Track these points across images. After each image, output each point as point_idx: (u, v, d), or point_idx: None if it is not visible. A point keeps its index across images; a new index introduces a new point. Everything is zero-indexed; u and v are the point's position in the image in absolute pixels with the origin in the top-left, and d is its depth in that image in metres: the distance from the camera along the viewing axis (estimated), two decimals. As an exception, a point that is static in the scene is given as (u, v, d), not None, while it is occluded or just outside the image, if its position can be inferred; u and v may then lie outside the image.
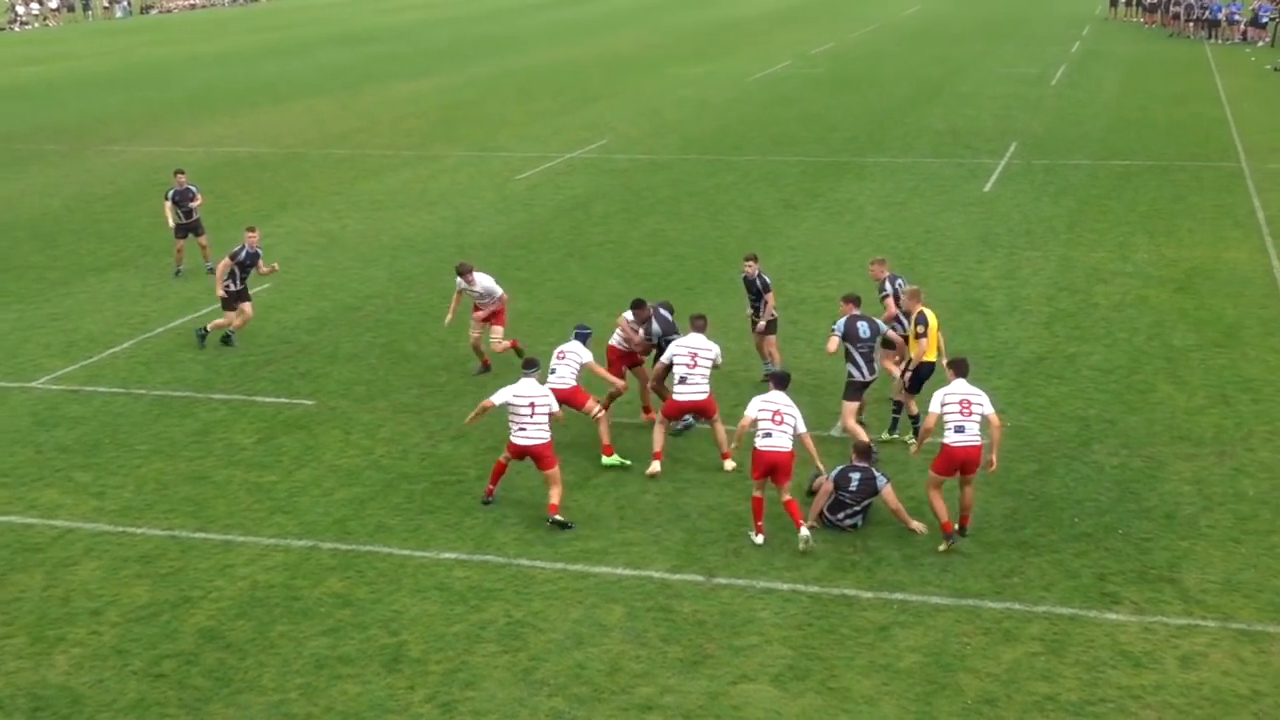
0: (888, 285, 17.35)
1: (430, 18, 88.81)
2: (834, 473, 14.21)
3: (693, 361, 15.74)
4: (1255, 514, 14.26)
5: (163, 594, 13.29)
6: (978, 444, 13.49)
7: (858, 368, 15.81)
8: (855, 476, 13.97)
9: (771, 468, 13.75)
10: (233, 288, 20.64)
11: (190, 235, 24.96)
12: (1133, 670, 11.47)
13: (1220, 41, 59.69)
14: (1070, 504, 14.60)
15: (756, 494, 13.95)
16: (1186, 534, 13.86)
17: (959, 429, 13.47)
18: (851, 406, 15.86)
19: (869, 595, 12.85)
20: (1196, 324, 20.55)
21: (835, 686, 11.37)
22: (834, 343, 15.90)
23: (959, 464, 13.52)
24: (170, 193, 24.74)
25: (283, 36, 78.02)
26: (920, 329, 15.78)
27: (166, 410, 18.34)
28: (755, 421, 13.87)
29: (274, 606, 12.99)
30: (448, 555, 13.92)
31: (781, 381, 14.35)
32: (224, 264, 20.64)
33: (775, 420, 13.79)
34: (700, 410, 15.86)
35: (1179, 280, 22.85)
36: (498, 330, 19.13)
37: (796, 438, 13.88)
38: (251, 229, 21.29)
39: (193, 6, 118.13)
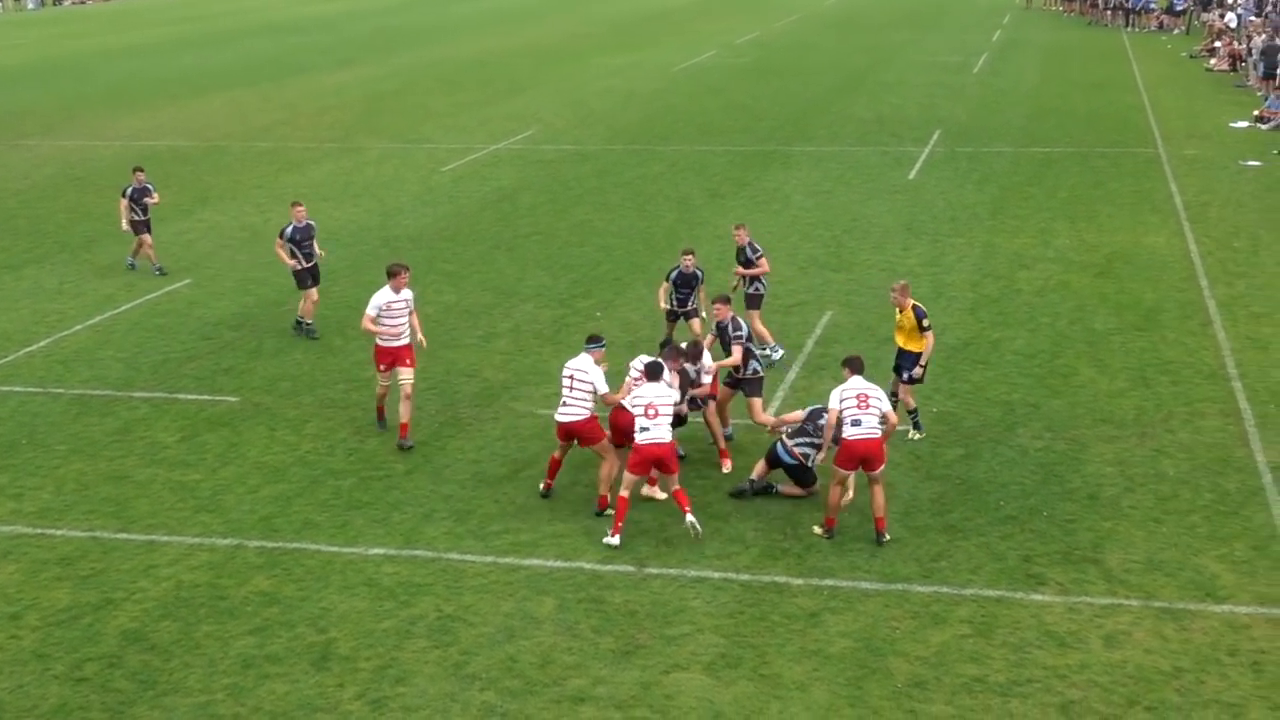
0: (748, 250, 18.71)
1: (353, 8, 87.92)
2: (811, 408, 14.79)
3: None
4: (1175, 494, 14.51)
5: (84, 596, 13.04)
6: (876, 437, 13.42)
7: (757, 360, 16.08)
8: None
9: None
10: (298, 267, 20.28)
11: (147, 231, 24.27)
12: (1058, 650, 11.62)
13: (1137, 29, 60.63)
14: (996, 487, 14.76)
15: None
16: (1109, 515, 14.06)
17: (855, 422, 13.44)
18: (759, 402, 15.98)
19: (799, 582, 12.91)
20: (1117, 308, 20.86)
21: (767, 673, 11.41)
22: (739, 352, 15.78)
23: (859, 458, 13.41)
24: (128, 190, 24.00)
25: (201, 28, 76.82)
26: (926, 322, 15.60)
27: (86, 409, 18.00)
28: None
29: (199, 606, 12.80)
30: (376, 551, 13.79)
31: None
32: (278, 243, 20.41)
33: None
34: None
35: (1100, 265, 23.19)
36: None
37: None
38: (297, 203, 20.86)
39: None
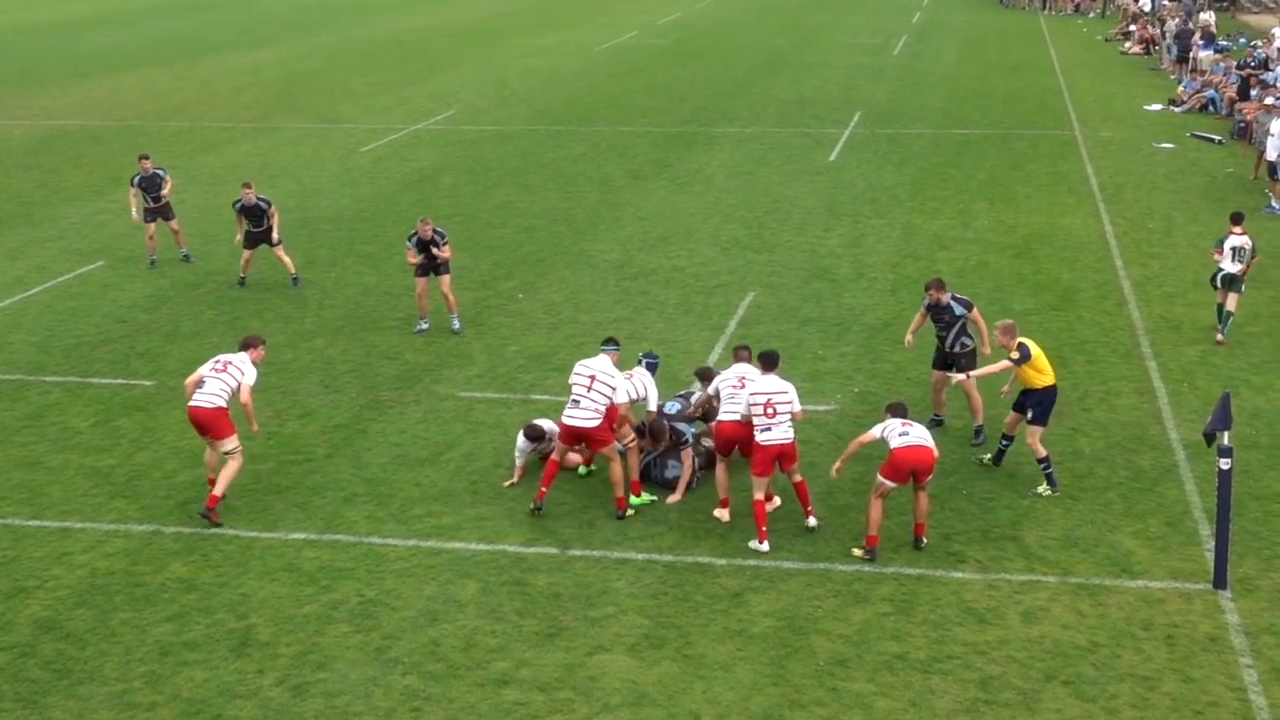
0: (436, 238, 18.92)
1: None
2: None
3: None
4: (1091, 471, 14.74)
5: (-5, 585, 12.76)
6: (928, 445, 12.92)
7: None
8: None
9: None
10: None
11: (160, 220, 23.13)
12: (978, 626, 11.77)
13: (1054, 13, 61.43)
14: (916, 466, 14.86)
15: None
16: (1026, 494, 14.25)
17: (904, 433, 12.98)
18: None
19: (722, 563, 12.95)
20: (1035, 288, 21.14)
21: (691, 654, 11.43)
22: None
23: (910, 469, 12.87)
24: (136, 178, 22.99)
25: (113, 6, 75.16)
26: (1014, 355, 14.25)
27: (-4, 394, 17.59)
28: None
29: (115, 594, 12.56)
30: (296, 535, 13.62)
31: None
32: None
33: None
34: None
35: (1018, 246, 23.48)
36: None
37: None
38: (247, 185, 21.55)
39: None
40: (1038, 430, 14.26)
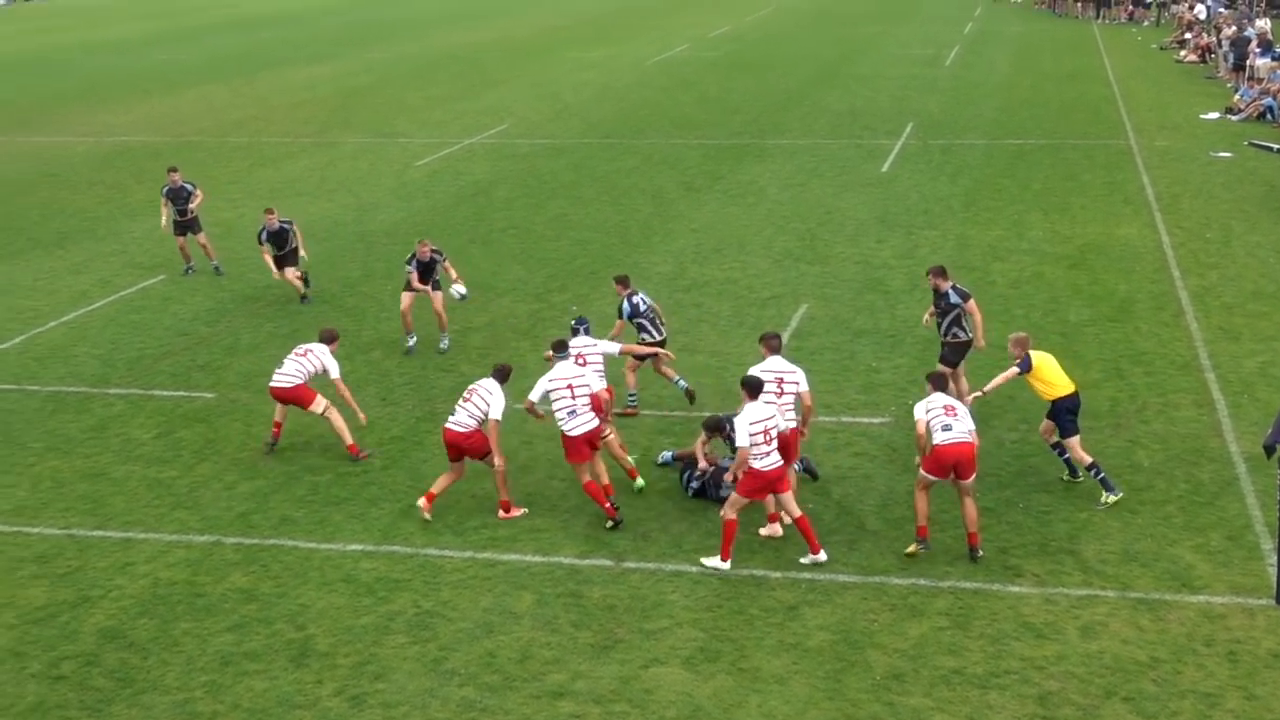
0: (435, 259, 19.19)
1: (324, 3, 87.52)
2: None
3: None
4: (1150, 485, 14.60)
5: (61, 594, 12.98)
6: (969, 441, 12.96)
7: (646, 334, 16.89)
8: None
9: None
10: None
11: (188, 234, 23.52)
12: (1035, 641, 11.69)
13: (1107, 21, 60.92)
14: (972, 479, 14.80)
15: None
16: (1085, 506, 14.14)
17: (946, 427, 12.91)
18: (636, 363, 16.88)
19: (777, 575, 12.95)
20: (1091, 299, 20.98)
21: (746, 667, 11.45)
22: (620, 324, 16.81)
23: (951, 464, 12.91)
24: (165, 189, 23.51)
25: (172, 24, 76.33)
26: (1017, 366, 14.34)
27: (61, 406, 17.89)
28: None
29: (177, 604, 12.75)
30: (354, 547, 13.77)
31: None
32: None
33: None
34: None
35: (1073, 257, 23.31)
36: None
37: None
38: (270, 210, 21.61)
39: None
40: (1072, 440, 14.26)
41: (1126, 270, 22.43)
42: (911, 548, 13.19)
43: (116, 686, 11.47)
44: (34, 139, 38.78)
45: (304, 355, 15.87)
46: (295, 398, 15.69)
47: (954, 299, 15.94)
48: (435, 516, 14.28)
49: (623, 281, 17.17)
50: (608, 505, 14.01)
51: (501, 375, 14.39)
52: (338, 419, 15.77)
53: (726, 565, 13.04)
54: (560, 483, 15.04)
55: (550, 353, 14.95)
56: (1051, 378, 14.34)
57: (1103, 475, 14.19)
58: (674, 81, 45.69)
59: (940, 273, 16.25)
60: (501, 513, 14.25)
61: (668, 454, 15.44)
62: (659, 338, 16.97)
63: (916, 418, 13.21)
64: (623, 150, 33.99)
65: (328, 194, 30.15)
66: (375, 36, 63.96)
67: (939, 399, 13.26)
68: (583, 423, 13.94)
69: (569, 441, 14.00)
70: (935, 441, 12.94)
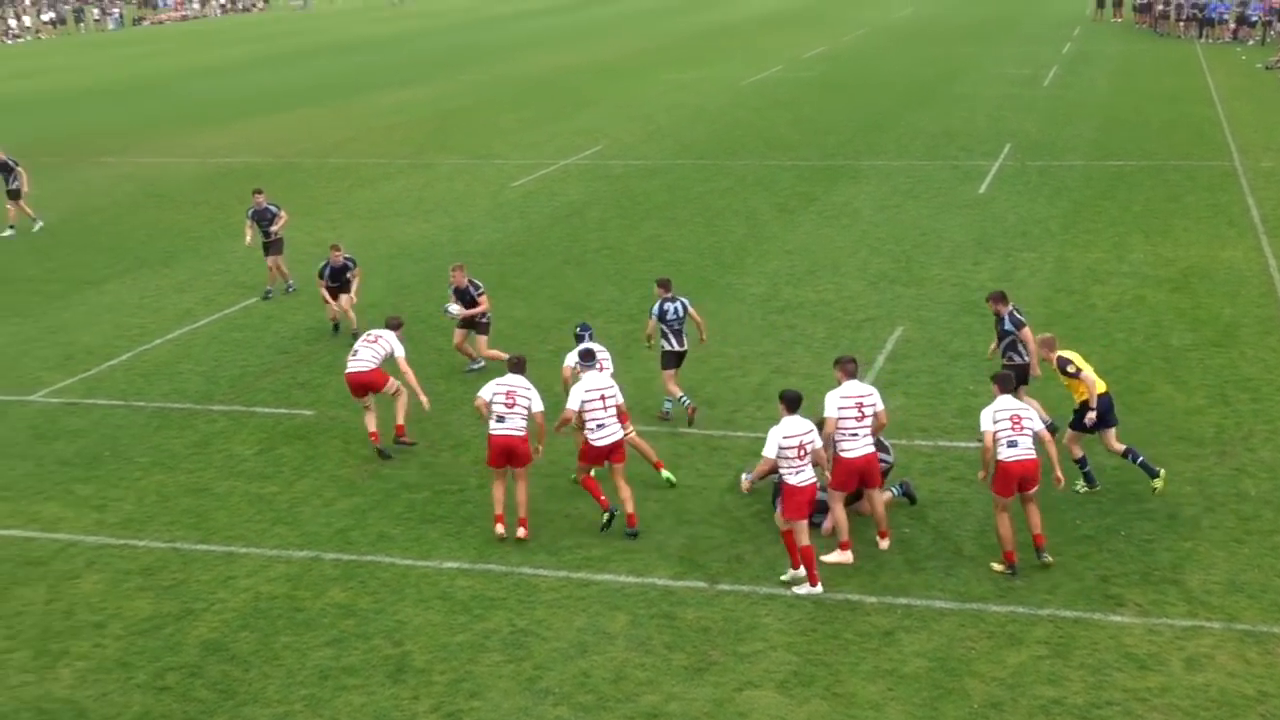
0: (470, 289, 19.21)
1: (422, 26, 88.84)
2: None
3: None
4: (1257, 514, 14.26)
5: (165, 606, 13.27)
6: (1034, 458, 12.98)
7: (668, 340, 17.22)
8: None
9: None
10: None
11: (272, 254, 24.00)
12: (1138, 672, 11.47)
13: (1210, 41, 59.80)
14: (1072, 506, 14.59)
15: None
16: (1189, 535, 13.86)
17: (1011, 444, 12.98)
18: (669, 374, 17.35)
19: (872, 600, 12.84)
20: (1194, 323, 20.57)
21: (841, 692, 11.36)
22: (651, 323, 17.25)
23: (1017, 480, 12.98)
24: (250, 211, 24.07)
25: (274, 47, 77.99)
26: (1072, 369, 14.65)
27: (166, 422, 18.31)
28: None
29: (277, 618, 12.97)
30: (450, 564, 13.90)
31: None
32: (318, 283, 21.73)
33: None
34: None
35: (1175, 280, 22.88)
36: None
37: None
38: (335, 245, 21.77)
39: (184, 18, 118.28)
40: (1072, 433, 14.78)
41: (1231, 294, 21.96)
42: (998, 567, 13.17)
43: (219, 698, 11.69)
44: (141, 160, 39.81)
45: (375, 341, 16.90)
46: (371, 381, 16.69)
47: (1008, 325, 16.06)
48: (529, 536, 14.37)
49: (664, 285, 17.50)
50: (602, 498, 14.42)
51: (518, 366, 14.66)
52: (403, 402, 16.87)
53: (817, 587, 13.01)
54: (655, 504, 15.06)
55: (575, 363, 15.28)
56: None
57: (1088, 469, 14.79)
58: (768, 102, 45.67)
59: (999, 298, 16.36)
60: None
61: (747, 475, 15.26)
62: (678, 348, 17.29)
63: (983, 428, 13.11)
64: (716, 171, 34.04)
65: (424, 215, 30.56)
66: (470, 60, 64.76)
67: (1006, 406, 13.18)
68: (610, 434, 14.23)
69: (591, 450, 14.29)
70: (1000, 457, 12.94)
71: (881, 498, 13.88)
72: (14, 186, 30.09)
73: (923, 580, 13.13)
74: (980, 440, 13.36)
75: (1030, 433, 13.08)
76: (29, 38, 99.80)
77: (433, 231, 28.92)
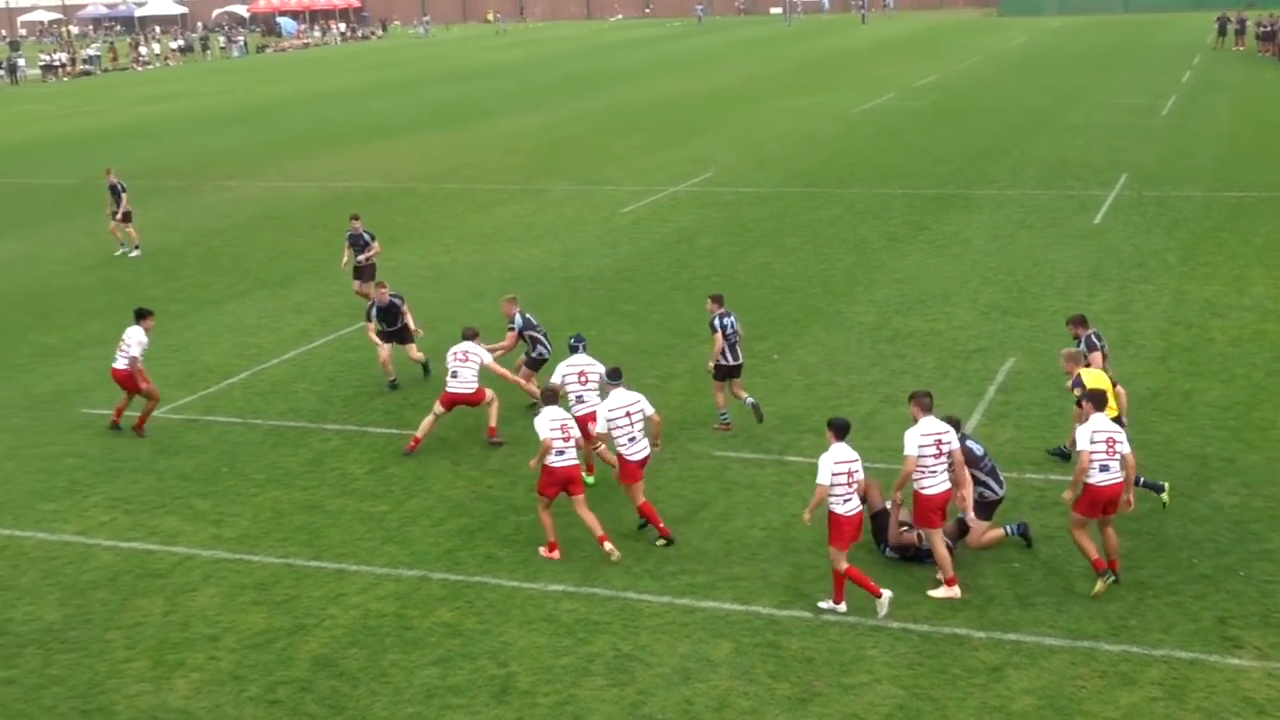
0: (517, 319, 19.02)
1: (535, 55, 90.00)
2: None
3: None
4: (1384, 557, 13.81)
5: (278, 621, 13.55)
6: (1120, 482, 13.14)
7: (724, 355, 17.82)
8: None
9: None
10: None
11: (362, 279, 24.34)
12: (1257, 718, 11.15)
13: (1340, 69, 58.25)
14: (1188, 544, 14.26)
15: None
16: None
17: (1104, 468, 13.06)
18: (720, 385, 18.03)
19: (980, 635, 12.67)
20: (1319, 360, 20.01)
21: (947, 727, 11.22)
22: (719, 339, 17.70)
23: (1104, 504, 13.11)
24: (347, 234, 24.67)
25: (392, 74, 79.57)
26: (1078, 392, 14.67)
27: (281, 440, 18.72)
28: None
29: (385, 635, 13.17)
30: (555, 587, 14.00)
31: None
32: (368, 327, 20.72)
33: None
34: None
35: (1300, 315, 22.28)
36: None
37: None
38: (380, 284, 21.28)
39: (305, 46, 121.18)
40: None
41: (1359, 330, 21.32)
42: (1098, 586, 13.10)
43: (328, 713, 11.90)
44: (262, 184, 40.83)
45: (467, 359, 17.68)
46: (472, 399, 17.72)
47: (1083, 347, 16.12)
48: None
49: (718, 300, 18.18)
50: (662, 525, 14.71)
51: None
52: (495, 409, 17.88)
53: (841, 606, 13.19)
54: (760, 531, 15.04)
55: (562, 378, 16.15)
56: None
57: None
58: (879, 130, 45.44)
59: (1079, 321, 16.57)
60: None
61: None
62: (733, 362, 17.94)
63: (1080, 447, 13.05)
64: (826, 199, 33.94)
65: (535, 239, 30.90)
66: (583, 87, 65.41)
67: (1102, 428, 13.15)
68: (642, 448, 14.78)
69: (627, 465, 14.65)
70: (1091, 480, 12.94)
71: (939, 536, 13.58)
72: (124, 209, 30.87)
73: (1032, 616, 12.92)
74: (1075, 455, 13.31)
75: (1120, 456, 13.11)
76: (158, 64, 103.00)
77: (543, 256, 29.22)
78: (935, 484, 13.34)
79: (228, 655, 12.93)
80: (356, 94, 67.92)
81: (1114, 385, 15.24)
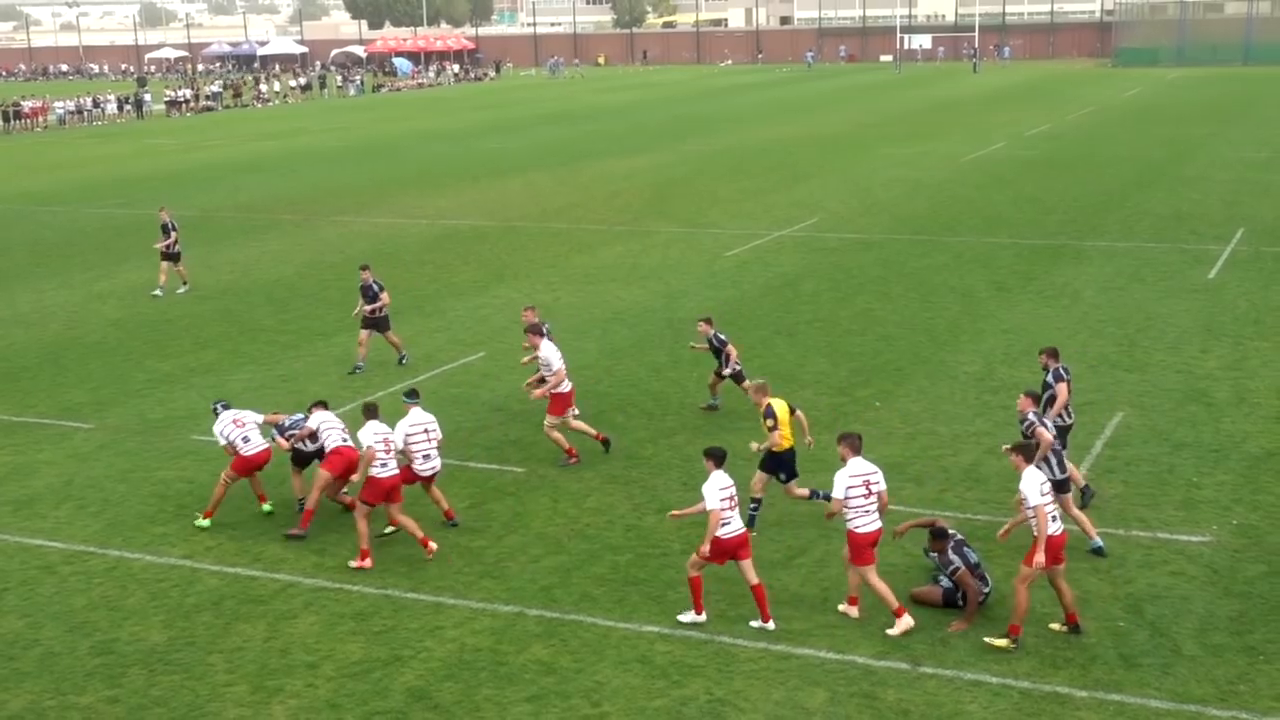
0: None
1: (645, 98, 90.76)
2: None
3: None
4: None
5: (375, 651, 13.69)
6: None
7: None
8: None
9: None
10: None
11: (374, 331, 23.97)
12: (1372, 792, 10.76)
13: None
14: (1302, 609, 13.83)
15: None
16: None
17: (1054, 518, 13.27)
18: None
19: (1083, 694, 12.39)
20: None
21: (1046, 787, 10.97)
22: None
23: (1057, 552, 13.27)
24: (360, 286, 24.13)
25: (503, 115, 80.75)
26: (770, 422, 15.80)
27: (384, 472, 18.91)
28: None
29: (480, 670, 13.24)
30: (650, 628, 13.98)
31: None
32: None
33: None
34: None
35: None
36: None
37: None
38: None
39: (420, 85, 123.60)
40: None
41: None
42: (1002, 641, 13.21)
43: (421, 744, 11.97)
44: (373, 220, 41.60)
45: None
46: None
47: (1049, 379, 16.46)
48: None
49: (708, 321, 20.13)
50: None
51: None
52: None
53: (701, 617, 13.90)
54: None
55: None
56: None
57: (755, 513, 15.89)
58: (988, 179, 45.02)
59: (1052, 354, 16.84)
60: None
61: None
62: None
63: (1033, 502, 13.12)
64: (933, 247, 33.67)
65: (639, 280, 31.05)
66: (691, 130, 65.76)
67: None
68: (433, 465, 16.56)
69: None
70: (1051, 532, 13.04)
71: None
72: (174, 249, 31.29)
73: (1137, 677, 12.60)
74: (1030, 508, 13.24)
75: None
76: (278, 101, 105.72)
77: (646, 298, 29.35)
78: (867, 522, 13.70)
79: (325, 683, 13.09)
80: (468, 133, 69.01)
81: (792, 411, 16.12)
